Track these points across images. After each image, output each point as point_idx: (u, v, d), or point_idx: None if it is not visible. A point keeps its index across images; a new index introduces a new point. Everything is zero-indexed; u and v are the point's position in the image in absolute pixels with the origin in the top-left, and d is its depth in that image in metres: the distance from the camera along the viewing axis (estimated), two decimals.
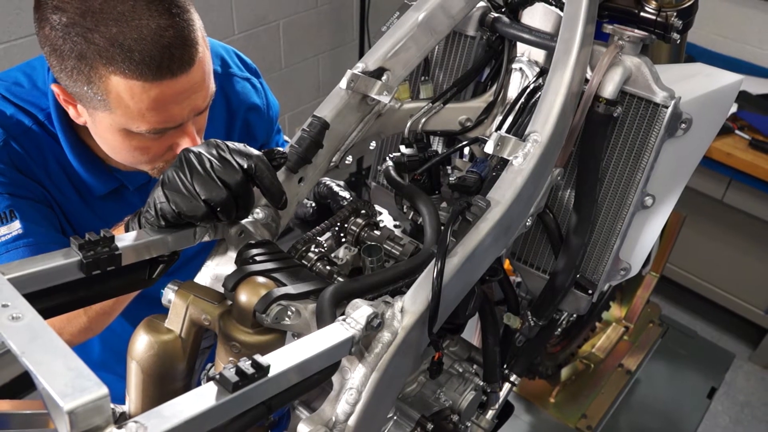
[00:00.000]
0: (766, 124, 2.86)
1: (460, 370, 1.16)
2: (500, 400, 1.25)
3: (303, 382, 0.73)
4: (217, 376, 0.64)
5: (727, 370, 2.27)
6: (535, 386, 2.02)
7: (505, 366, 1.30)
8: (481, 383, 1.17)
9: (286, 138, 1.68)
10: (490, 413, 1.24)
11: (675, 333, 2.34)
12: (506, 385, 1.28)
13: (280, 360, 0.68)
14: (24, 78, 1.26)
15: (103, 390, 0.54)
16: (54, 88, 1.12)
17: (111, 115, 1.07)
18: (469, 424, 1.22)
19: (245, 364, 0.64)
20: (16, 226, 1.14)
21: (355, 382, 0.80)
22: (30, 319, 0.61)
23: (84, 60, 1.01)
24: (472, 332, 1.59)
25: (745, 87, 2.89)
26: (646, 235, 1.16)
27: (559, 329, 1.37)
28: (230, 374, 0.63)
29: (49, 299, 0.78)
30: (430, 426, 1.02)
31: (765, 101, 2.97)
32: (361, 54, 3.72)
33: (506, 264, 1.30)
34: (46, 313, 0.78)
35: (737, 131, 2.84)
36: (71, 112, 1.15)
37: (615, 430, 1.99)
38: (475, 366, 1.20)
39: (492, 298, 1.20)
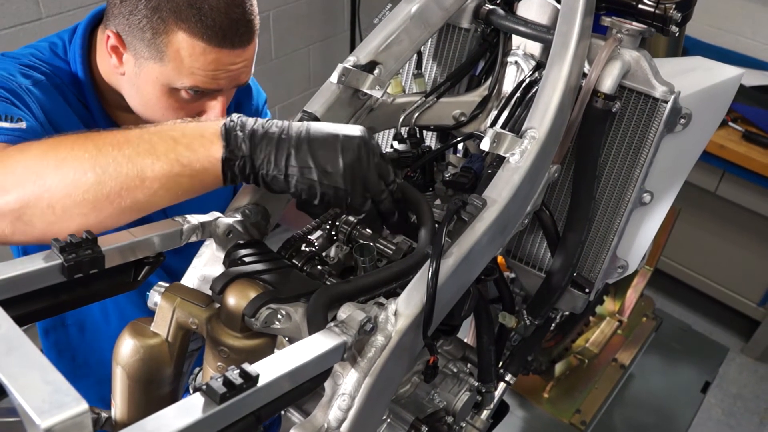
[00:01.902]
0: (760, 116, 2.84)
1: (455, 370, 1.14)
2: (495, 400, 1.23)
3: (293, 390, 0.70)
4: (204, 387, 0.61)
5: (721, 364, 2.26)
6: (528, 382, 2.00)
7: (500, 365, 1.28)
8: (476, 383, 1.15)
9: None
10: (485, 413, 1.22)
11: (669, 327, 2.33)
12: (501, 385, 1.26)
13: (270, 368, 0.66)
14: (45, 49, 1.30)
15: (83, 405, 0.52)
16: (109, 32, 1.17)
17: (161, 68, 1.14)
18: (464, 425, 1.20)
19: (233, 374, 0.62)
20: (21, 125, 1.14)
21: (348, 387, 0.78)
22: (6, 330, 0.58)
23: (157, 12, 1.10)
24: (466, 330, 1.57)
25: None
26: (643, 233, 1.14)
27: (553, 324, 1.36)
28: (217, 385, 0.60)
29: (28, 304, 0.75)
30: (424, 429, 1.00)
31: (759, 93, 2.95)
32: (353, 45, 3.67)
33: (500, 259, 1.28)
34: (26, 319, 0.76)
35: (731, 123, 2.82)
36: (113, 61, 1.19)
37: (609, 425, 1.99)
38: (469, 365, 1.18)
39: (487, 296, 1.18)
